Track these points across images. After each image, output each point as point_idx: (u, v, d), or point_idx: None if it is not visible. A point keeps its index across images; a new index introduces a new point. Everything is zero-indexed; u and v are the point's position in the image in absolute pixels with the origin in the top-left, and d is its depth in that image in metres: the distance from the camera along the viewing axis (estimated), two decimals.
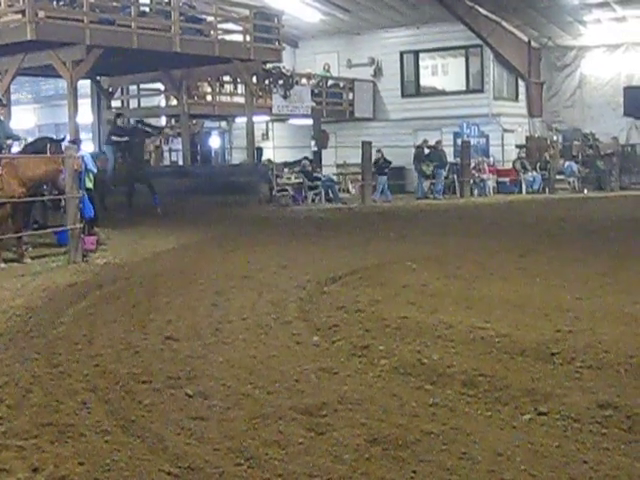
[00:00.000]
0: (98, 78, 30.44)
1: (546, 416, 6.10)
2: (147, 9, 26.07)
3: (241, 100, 31.47)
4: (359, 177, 31.36)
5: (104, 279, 12.90)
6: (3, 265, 14.44)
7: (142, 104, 34.88)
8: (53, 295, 11.43)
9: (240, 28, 29.07)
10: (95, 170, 17.55)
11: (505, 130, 36.04)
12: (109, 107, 31.68)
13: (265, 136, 38.57)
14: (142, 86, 34.33)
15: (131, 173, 23.54)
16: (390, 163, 31.33)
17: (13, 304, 10.70)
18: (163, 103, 34.02)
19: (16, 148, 17.79)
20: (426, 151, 32.35)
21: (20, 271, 13.80)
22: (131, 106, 34.78)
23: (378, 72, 37.88)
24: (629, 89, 34.83)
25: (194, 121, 34.24)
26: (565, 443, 5.58)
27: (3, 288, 11.95)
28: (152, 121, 32.89)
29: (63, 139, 16.73)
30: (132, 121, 26.86)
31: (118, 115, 25.28)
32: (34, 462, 5.40)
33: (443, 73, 37.36)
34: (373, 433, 5.81)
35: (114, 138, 23.84)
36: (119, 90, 32.84)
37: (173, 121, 34.71)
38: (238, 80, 31.98)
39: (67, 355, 8.12)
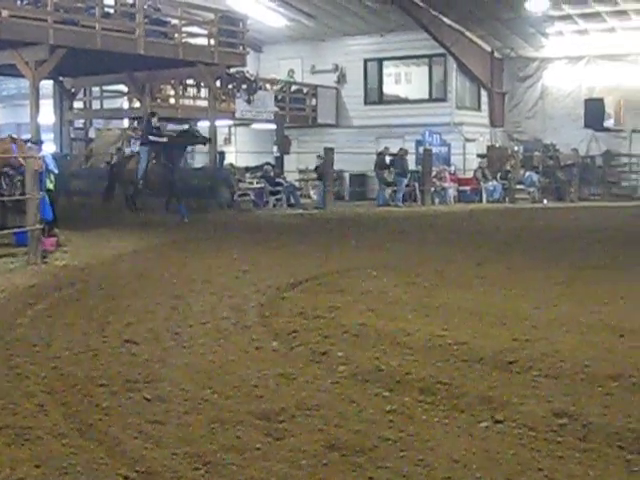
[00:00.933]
0: (61, 78, 30.25)
1: (502, 424, 6.14)
2: (111, 10, 25.94)
3: (204, 104, 31.41)
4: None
5: (63, 281, 12.83)
6: None
7: (105, 106, 34.71)
8: (11, 296, 11.34)
9: (205, 32, 29.02)
10: (56, 171, 17.45)
11: (467, 139, 36.26)
12: (71, 108, 31.51)
13: (227, 140, 38.54)
14: (105, 88, 34.17)
15: (164, 177, 22.87)
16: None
17: None
18: (126, 105, 33.87)
19: None
20: (388, 159, 32.42)
21: None
22: (94, 107, 34.61)
23: (342, 79, 37.98)
24: (590, 101, 35.16)
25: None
26: (521, 451, 5.63)
27: None
28: (115, 123, 32.78)
29: (28, 140, 16.62)
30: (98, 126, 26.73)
31: (152, 114, 24.42)
32: None
33: (406, 81, 37.52)
34: (331, 439, 5.83)
35: (152, 138, 23.16)
36: (82, 91, 32.66)
37: (136, 123, 34.54)
38: (202, 84, 31.89)
39: (25, 357, 8.07)
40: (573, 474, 5.24)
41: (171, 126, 29.67)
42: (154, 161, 22.90)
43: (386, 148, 32.94)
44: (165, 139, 23.17)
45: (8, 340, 8.78)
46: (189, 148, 26.22)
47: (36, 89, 23.05)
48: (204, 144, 25.96)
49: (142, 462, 5.43)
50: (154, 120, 23.65)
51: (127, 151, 32.74)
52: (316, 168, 30.85)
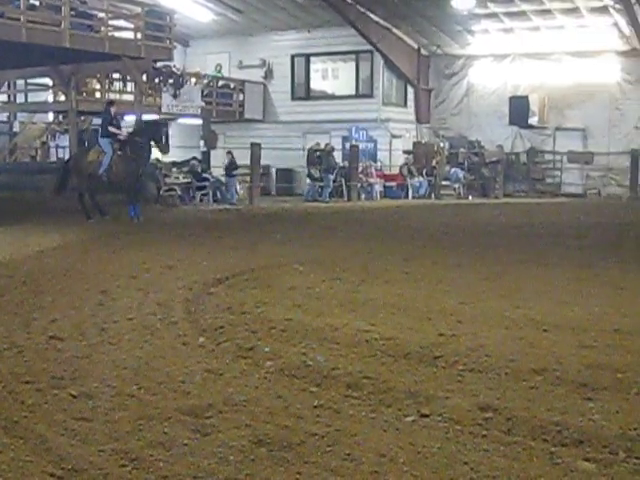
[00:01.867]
0: None
1: (428, 418, 6.20)
2: (37, 3, 25.61)
3: (130, 98, 31.17)
4: (247, 178, 31.33)
5: None
6: None
7: (29, 99, 34.29)
8: None
9: (131, 25, 28.80)
10: None
11: (393, 135, 36.47)
12: None
13: None
14: (30, 81, 33.74)
15: (131, 172, 21.86)
16: (238, 167, 31.35)
17: None
18: (51, 99, 33.48)
19: None
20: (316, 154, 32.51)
21: None
22: (18, 101, 34.16)
23: (269, 74, 37.98)
24: (514, 99, 35.60)
25: (82, 118, 33.74)
26: (447, 444, 5.69)
27: None
28: (40, 117, 32.33)
29: None
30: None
31: (111, 103, 23.30)
32: None
33: (333, 77, 37.61)
34: (258, 434, 5.84)
35: (112, 129, 22.14)
36: (5, 84, 32.21)
37: (61, 117, 34.17)
38: (128, 78, 31.66)
39: None
40: (498, 467, 5.31)
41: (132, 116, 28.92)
42: (119, 153, 21.96)
43: (317, 143, 33.00)
44: (124, 133, 22.47)
45: None
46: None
47: None
48: (162, 152, 24.25)
49: (68, 459, 5.39)
50: (112, 109, 22.61)
51: (52, 145, 32.32)
52: (227, 167, 30.72)
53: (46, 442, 5.70)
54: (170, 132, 24.28)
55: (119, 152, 21.98)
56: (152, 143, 22.43)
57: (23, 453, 5.52)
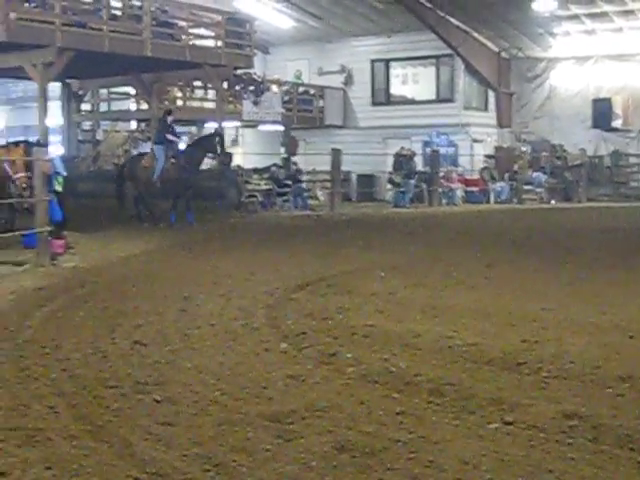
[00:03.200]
0: (68, 81, 30.30)
1: (512, 425, 6.14)
2: (119, 13, 25.95)
3: (211, 105, 31.40)
4: (328, 184, 31.38)
5: (72, 283, 12.86)
6: None
7: (112, 108, 34.76)
8: (21, 298, 11.38)
9: (212, 33, 29.04)
10: (64, 173, 17.48)
11: (474, 140, 36.20)
12: (79, 110, 31.57)
13: (235, 142, 38.53)
14: (112, 90, 34.21)
15: (181, 179, 22.22)
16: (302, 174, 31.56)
17: None
18: (133, 107, 33.89)
19: None
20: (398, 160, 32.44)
21: None
22: (101, 109, 34.67)
23: (349, 80, 37.95)
24: (597, 101, 35.11)
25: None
26: (531, 452, 5.63)
27: None
28: (123, 125, 32.70)
29: (36, 143, 16.61)
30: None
31: (169, 112, 23.83)
32: (0, 466, 5.39)
33: (413, 82, 37.45)
34: (340, 440, 5.83)
35: (169, 137, 22.66)
36: (89, 93, 32.71)
37: (143, 125, 34.57)
38: (209, 85, 31.91)
39: (35, 359, 8.09)
40: (583, 476, 5.24)
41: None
42: (173, 161, 22.39)
43: (402, 148, 32.92)
44: (179, 139, 22.77)
45: (18, 342, 8.80)
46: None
47: (44, 91, 23.05)
48: (221, 156, 24.53)
49: (152, 463, 5.44)
50: (170, 119, 23.16)
51: (134, 152, 32.69)
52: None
53: (130, 446, 5.76)
54: (225, 140, 24.64)
55: (172, 160, 22.38)
56: (209, 154, 23.31)
57: (108, 457, 5.58)
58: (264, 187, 29.77)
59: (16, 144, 16.49)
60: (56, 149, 24.77)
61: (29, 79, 24.70)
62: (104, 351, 8.42)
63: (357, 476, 5.28)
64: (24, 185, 14.45)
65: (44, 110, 22.90)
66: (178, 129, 33.34)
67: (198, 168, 23.20)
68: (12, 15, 21.52)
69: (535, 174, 35.02)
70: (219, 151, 23.17)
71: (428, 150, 33.90)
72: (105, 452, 5.69)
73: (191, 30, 28.34)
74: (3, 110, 45.41)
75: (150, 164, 22.38)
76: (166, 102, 31.78)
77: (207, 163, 35.66)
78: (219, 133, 24.16)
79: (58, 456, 5.57)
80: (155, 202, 22.91)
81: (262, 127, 35.82)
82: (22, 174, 14.42)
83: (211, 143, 23.06)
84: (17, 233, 16.68)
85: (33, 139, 18.16)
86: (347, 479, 5.24)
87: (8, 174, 14.50)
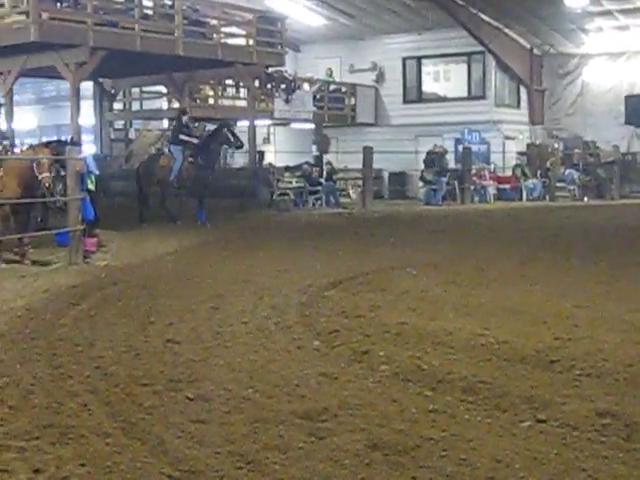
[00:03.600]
0: (101, 80, 30.45)
1: (545, 424, 6.12)
2: (150, 12, 26.06)
3: (243, 104, 31.48)
4: (360, 182, 31.38)
5: (105, 281, 12.93)
6: (4, 266, 14.48)
7: (144, 107, 34.91)
8: (54, 296, 11.45)
9: (243, 32, 29.10)
10: (97, 172, 17.57)
11: (506, 137, 36.06)
12: (111, 109, 31.72)
13: (267, 140, 38.58)
14: (144, 88, 34.34)
15: (199, 178, 22.31)
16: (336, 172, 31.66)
17: (14, 305, 10.73)
18: (165, 106, 34.01)
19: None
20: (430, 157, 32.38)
21: (21, 272, 13.82)
22: (133, 108, 34.82)
23: (380, 77, 37.90)
24: (630, 97, 34.86)
25: (196, 124, 34.22)
26: (564, 451, 5.61)
27: (4, 289, 11.97)
28: (155, 124, 32.79)
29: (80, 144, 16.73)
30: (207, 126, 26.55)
31: (184, 112, 23.99)
32: (35, 463, 5.44)
33: (445, 79, 37.35)
34: (373, 438, 5.83)
35: (183, 137, 22.68)
36: (121, 92, 32.86)
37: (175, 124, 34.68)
38: (240, 84, 31.98)
39: (68, 357, 8.14)
40: (617, 474, 5.22)
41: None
42: (190, 160, 22.40)
43: (435, 146, 32.85)
44: (196, 140, 22.83)
45: (51, 340, 8.86)
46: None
47: (76, 91, 23.18)
48: (238, 148, 25.24)
49: (185, 461, 5.46)
50: (185, 118, 23.25)
51: (165, 151, 32.76)
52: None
53: (163, 444, 5.79)
54: (241, 144, 24.64)
55: (190, 159, 22.42)
56: (225, 146, 23.58)
57: (141, 454, 5.61)
58: (296, 185, 29.79)
59: (48, 144, 16.58)
60: (89, 148, 24.84)
61: (62, 78, 24.88)
62: (137, 349, 8.47)
63: (390, 474, 5.28)
64: (47, 185, 14.55)
65: (77, 109, 23.04)
66: (210, 127, 33.58)
67: (215, 165, 23.37)
68: (44, 15, 21.68)
69: (568, 171, 34.83)
70: (232, 140, 23.15)
71: (460, 147, 33.81)
72: (138, 449, 5.72)
73: (223, 29, 28.41)
74: (36, 109, 45.64)
75: (167, 164, 22.46)
76: (198, 101, 31.91)
77: (239, 162, 35.94)
78: (226, 124, 24.19)
79: (92, 453, 5.61)
80: (174, 201, 22.92)
81: (294, 125, 35.84)
82: (46, 174, 14.50)
83: (222, 135, 23.08)
84: (50, 232, 16.81)
85: (66, 138, 18.26)
86: (380, 477, 5.24)
87: (36, 174, 14.62)
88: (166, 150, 24.91)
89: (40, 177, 14.49)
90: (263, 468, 5.37)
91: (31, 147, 17.23)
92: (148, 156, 25.85)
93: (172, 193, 22.69)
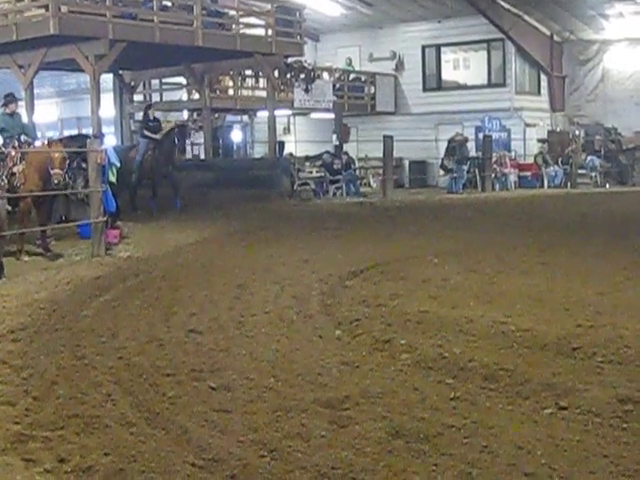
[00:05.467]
0: (120, 72, 30.51)
1: (567, 410, 6.13)
2: (169, 3, 26.08)
3: (263, 94, 31.47)
4: (380, 171, 31.34)
5: (127, 272, 12.99)
6: (27, 258, 14.57)
7: (164, 98, 34.96)
8: (77, 288, 11.53)
9: (262, 22, 29.09)
10: (118, 164, 17.63)
11: (527, 124, 35.91)
12: (131, 101, 31.79)
13: (287, 130, 38.56)
14: (164, 80, 34.39)
15: (156, 169, 22.82)
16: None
17: (37, 297, 10.81)
18: (185, 97, 34.05)
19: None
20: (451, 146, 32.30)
21: (44, 264, 13.91)
22: (153, 100, 34.88)
23: (400, 66, 37.81)
24: None
25: (216, 115, 34.28)
26: (586, 437, 5.62)
27: (27, 281, 12.06)
28: (174, 115, 32.90)
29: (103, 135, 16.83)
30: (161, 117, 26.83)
31: (149, 107, 24.58)
32: (60, 453, 5.50)
33: (465, 67, 37.22)
34: (395, 426, 5.86)
35: (146, 133, 23.16)
36: (141, 84, 32.91)
37: (195, 115, 34.74)
38: (260, 74, 31.96)
39: (91, 348, 8.21)
40: (639, 460, 5.21)
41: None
42: (149, 153, 22.93)
43: (457, 134, 32.76)
44: (157, 136, 23.12)
45: (75, 331, 8.93)
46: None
47: (96, 83, 23.24)
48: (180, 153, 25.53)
49: (209, 450, 5.51)
50: (150, 113, 23.73)
51: (187, 142, 32.97)
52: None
53: (187, 433, 5.84)
54: (185, 131, 25.47)
55: (149, 152, 22.88)
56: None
57: (165, 443, 5.66)
58: (316, 175, 29.78)
59: (69, 138, 16.69)
60: (110, 140, 24.89)
61: (82, 71, 24.92)
62: (160, 339, 8.52)
63: (411, 461, 5.30)
64: (56, 181, 14.65)
65: (97, 102, 23.11)
66: (230, 118, 33.65)
67: (173, 158, 23.51)
68: (64, 8, 21.73)
69: (589, 158, 34.67)
70: (177, 142, 23.39)
71: (480, 135, 33.71)
72: (162, 439, 5.77)
73: (241, 19, 28.41)
74: (56, 102, 45.72)
75: (134, 155, 22.85)
76: (218, 91, 31.93)
77: (259, 152, 35.98)
78: (178, 125, 24.53)
79: (116, 443, 5.66)
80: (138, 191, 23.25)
81: (314, 115, 35.81)
82: (58, 170, 14.59)
83: (170, 136, 23.38)
84: (73, 224, 16.91)
85: (88, 131, 18.33)
86: (401, 465, 5.26)
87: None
88: (187, 142, 25.16)
89: (52, 172, 14.59)
90: (285, 456, 5.41)
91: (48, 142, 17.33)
92: (126, 149, 26.06)
93: (135, 183, 22.85)
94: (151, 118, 23.67)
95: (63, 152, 14.95)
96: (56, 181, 14.65)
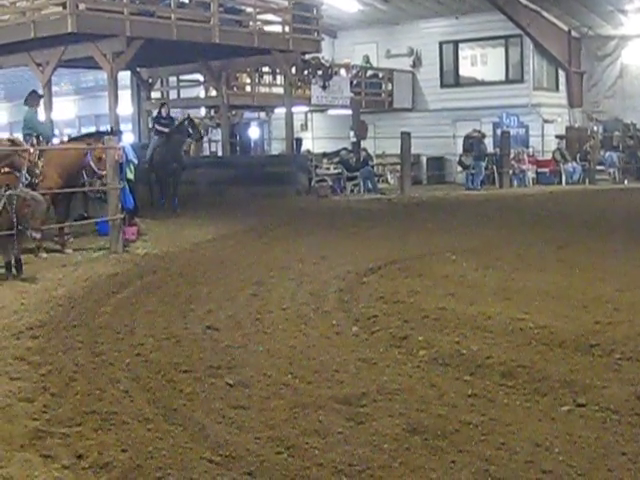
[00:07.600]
0: (138, 69, 30.55)
1: (585, 407, 6.12)
2: (186, 0, 26.12)
3: (280, 91, 31.46)
4: (398, 167, 31.30)
5: (145, 269, 13.01)
6: (45, 255, 14.60)
7: (182, 95, 35.00)
8: (95, 285, 11.54)
9: (279, 19, 29.08)
10: (136, 161, 17.66)
11: (545, 120, 35.80)
12: (149, 98, 31.84)
13: (304, 127, 38.54)
14: (182, 77, 34.43)
15: (163, 165, 23.04)
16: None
17: (55, 294, 10.83)
18: (203, 94, 34.08)
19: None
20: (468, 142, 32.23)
21: (62, 261, 13.94)
22: (171, 97, 34.91)
23: (417, 62, 37.74)
24: None
25: (233, 112, 34.28)
26: (604, 435, 5.60)
27: (45, 278, 12.08)
28: (192, 112, 32.93)
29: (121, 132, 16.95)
30: (178, 114, 26.98)
31: (162, 105, 25.13)
32: (78, 449, 5.51)
33: (482, 63, 37.11)
34: (412, 423, 5.85)
35: (157, 127, 23.68)
36: (159, 81, 32.95)
37: (212, 112, 34.78)
38: (277, 71, 31.98)
39: (109, 344, 8.23)
40: None
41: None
42: (158, 149, 23.27)
43: (474, 130, 32.67)
44: (167, 129, 23.49)
45: (92, 328, 8.95)
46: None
47: (114, 80, 23.28)
48: (197, 140, 27.10)
49: (226, 446, 5.51)
50: (163, 110, 24.27)
51: (205, 139, 33.12)
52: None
53: (204, 429, 5.84)
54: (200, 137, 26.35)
55: (158, 148, 23.29)
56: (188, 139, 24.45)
57: (182, 440, 5.67)
58: (334, 171, 29.77)
59: (90, 135, 16.77)
60: (128, 137, 24.97)
61: (99, 68, 24.99)
62: (177, 336, 8.53)
63: (428, 458, 5.29)
64: (104, 180, 14.83)
65: (114, 99, 23.15)
66: (247, 115, 33.64)
67: (179, 154, 23.74)
68: (81, 6, 21.77)
69: (607, 154, 34.54)
70: (192, 132, 23.83)
71: (498, 131, 33.61)
72: (179, 435, 5.77)
73: (258, 16, 28.41)
74: (74, 99, 45.90)
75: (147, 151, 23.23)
76: (235, 88, 31.94)
77: (276, 149, 35.99)
78: (188, 118, 24.57)
79: (133, 439, 5.67)
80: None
81: (331, 111, 35.80)
82: (101, 168, 14.77)
83: (183, 127, 23.67)
84: (91, 221, 16.95)
85: (105, 128, 18.38)
86: (418, 461, 5.25)
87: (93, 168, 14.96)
88: (205, 138, 25.39)
89: (98, 171, 14.80)
90: (303, 453, 5.41)
91: (74, 140, 17.42)
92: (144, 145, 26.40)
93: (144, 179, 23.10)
94: (163, 115, 24.08)
95: (102, 151, 15.07)
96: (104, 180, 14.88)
